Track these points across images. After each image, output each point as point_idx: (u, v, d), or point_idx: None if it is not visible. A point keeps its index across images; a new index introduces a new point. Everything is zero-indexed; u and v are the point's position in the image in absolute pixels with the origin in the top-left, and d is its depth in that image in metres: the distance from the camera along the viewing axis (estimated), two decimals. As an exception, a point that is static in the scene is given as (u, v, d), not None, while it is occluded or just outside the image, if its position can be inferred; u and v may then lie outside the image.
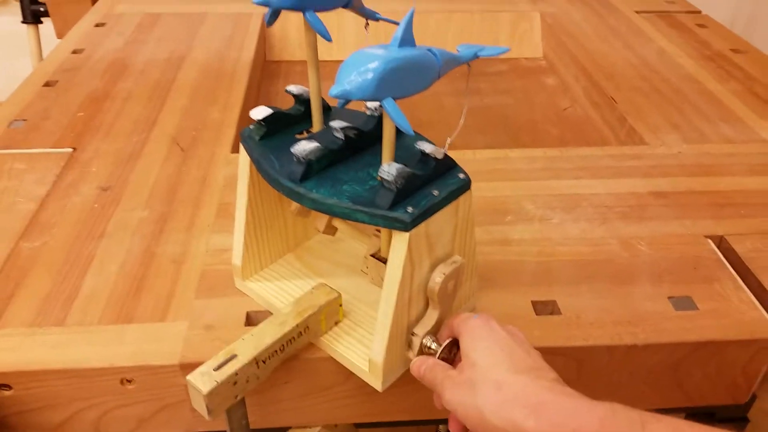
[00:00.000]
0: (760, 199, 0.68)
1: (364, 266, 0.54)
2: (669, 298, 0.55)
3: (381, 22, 0.53)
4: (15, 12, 1.48)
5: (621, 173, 0.72)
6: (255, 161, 0.47)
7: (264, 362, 0.44)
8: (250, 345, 0.44)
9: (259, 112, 0.48)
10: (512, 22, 1.16)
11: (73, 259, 0.58)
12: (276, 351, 0.45)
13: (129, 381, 0.50)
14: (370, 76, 0.36)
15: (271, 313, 0.53)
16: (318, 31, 0.44)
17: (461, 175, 0.46)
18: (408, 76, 0.38)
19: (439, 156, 0.44)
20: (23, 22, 1.35)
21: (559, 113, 0.99)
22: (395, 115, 0.37)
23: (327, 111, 0.52)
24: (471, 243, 0.49)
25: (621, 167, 0.73)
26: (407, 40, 0.38)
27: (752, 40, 1.09)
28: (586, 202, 0.67)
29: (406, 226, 0.41)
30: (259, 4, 0.43)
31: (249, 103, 0.90)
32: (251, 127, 0.49)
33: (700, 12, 1.18)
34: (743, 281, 0.58)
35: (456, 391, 0.41)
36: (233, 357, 0.43)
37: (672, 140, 0.78)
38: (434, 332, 0.46)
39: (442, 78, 0.43)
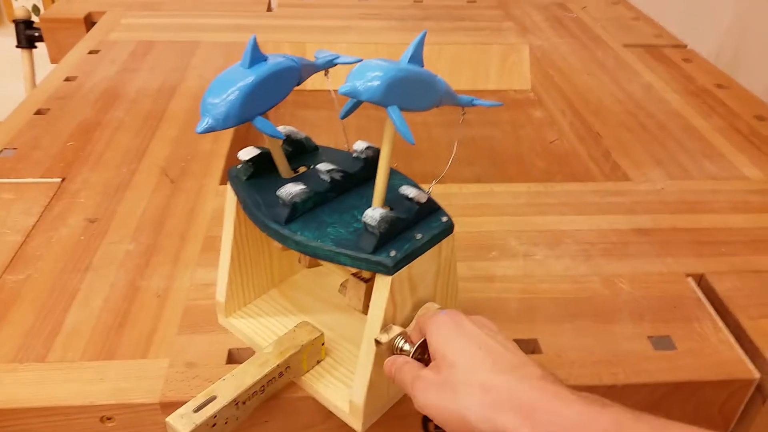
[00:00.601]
0: (741, 236, 0.69)
1: (343, 291, 0.53)
2: (649, 337, 0.56)
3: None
4: (8, 33, 1.49)
5: (604, 209, 0.73)
6: (241, 201, 0.47)
7: (244, 403, 0.44)
8: (231, 385, 0.44)
9: (247, 153, 0.48)
10: (502, 55, 1.18)
11: (57, 293, 0.59)
12: (256, 392, 0.45)
13: (109, 419, 0.50)
14: (379, 80, 0.38)
15: (254, 351, 0.53)
16: (270, 134, 0.44)
17: (444, 219, 0.46)
18: (414, 90, 0.40)
19: (423, 200, 0.45)
20: (18, 46, 1.37)
21: (545, 146, 1.00)
22: (399, 123, 0.39)
23: (314, 151, 0.53)
24: (453, 283, 0.50)
25: (604, 203, 0.74)
26: (416, 57, 0.40)
27: (737, 73, 1.11)
28: (569, 239, 0.68)
29: (388, 270, 0.42)
30: (202, 132, 0.42)
31: (240, 134, 0.91)
32: (239, 166, 0.49)
33: (686, 46, 1.20)
34: (722, 320, 0.58)
35: (432, 394, 0.38)
36: (213, 398, 0.43)
37: (655, 176, 0.79)
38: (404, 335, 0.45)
39: (433, 109, 0.44)
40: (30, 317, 0.56)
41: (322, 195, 0.46)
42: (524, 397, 0.35)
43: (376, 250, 0.42)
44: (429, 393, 0.38)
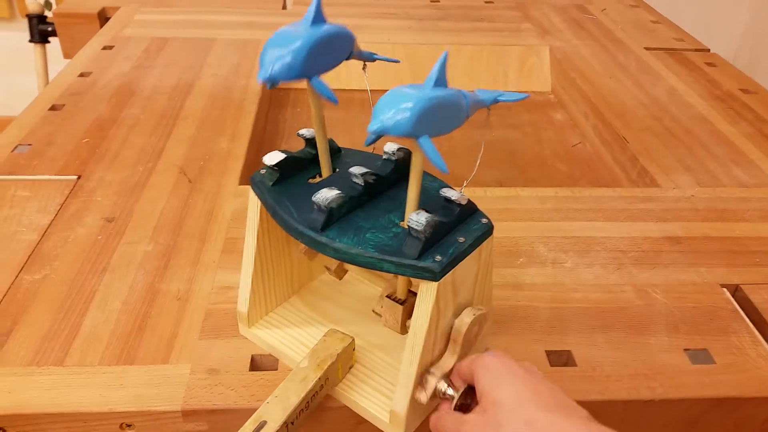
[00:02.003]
0: (775, 246, 0.67)
1: (378, 306, 0.52)
2: (685, 350, 0.54)
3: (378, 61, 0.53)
4: (22, 28, 1.48)
5: (634, 216, 0.71)
6: (269, 208, 0.46)
7: (292, 423, 0.42)
8: (278, 407, 0.42)
9: (272, 158, 0.46)
10: (521, 56, 1.16)
11: (74, 294, 0.57)
12: (303, 409, 0.43)
13: (129, 426, 0.48)
14: (407, 113, 0.36)
15: (277, 359, 0.51)
16: (325, 95, 0.43)
17: (484, 220, 0.45)
18: (442, 116, 0.38)
19: (463, 202, 0.44)
20: (31, 41, 1.35)
21: (568, 150, 0.99)
22: (431, 153, 0.37)
23: (337, 153, 0.51)
24: (489, 286, 0.48)
25: (634, 210, 0.72)
26: (441, 80, 0.38)
27: (755, 77, 1.09)
28: (599, 246, 0.66)
29: (435, 276, 0.40)
30: (264, 81, 0.41)
31: (257, 133, 0.89)
32: (262, 171, 0.47)
33: (708, 50, 1.18)
34: (760, 334, 0.56)
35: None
36: (263, 423, 0.41)
37: (685, 183, 0.77)
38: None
39: None
40: (47, 319, 0.54)
41: (356, 199, 0.44)
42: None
43: (420, 256, 0.40)
44: None
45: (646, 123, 0.91)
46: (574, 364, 0.52)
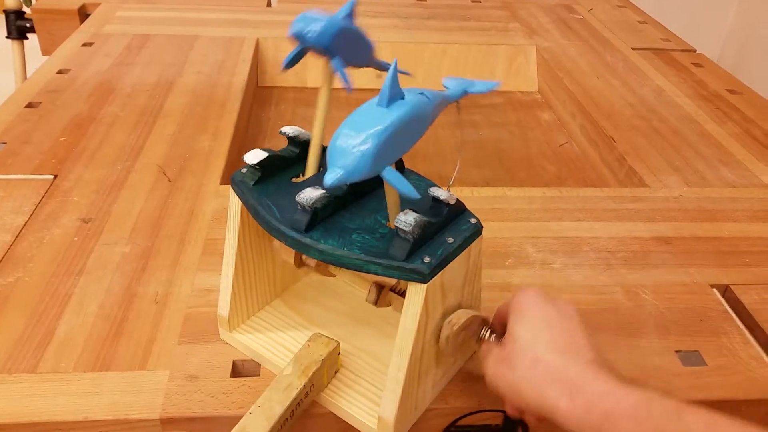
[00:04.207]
0: (764, 247, 0.66)
1: (371, 300, 0.49)
2: (676, 352, 0.53)
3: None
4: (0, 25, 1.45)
5: (622, 216, 0.70)
6: (251, 209, 0.44)
7: None
8: (261, 418, 0.40)
9: (254, 156, 0.45)
10: (508, 55, 1.15)
11: (49, 298, 0.55)
12: (287, 419, 0.41)
13: (105, 435, 0.46)
14: (364, 156, 0.34)
15: (259, 364, 0.50)
16: (343, 77, 0.42)
17: (472, 220, 0.44)
18: (403, 136, 0.36)
19: (452, 201, 0.42)
20: (8, 37, 1.32)
21: (555, 149, 0.98)
22: (398, 184, 0.35)
23: (325, 151, 0.50)
24: (478, 287, 0.47)
25: (622, 210, 0.71)
26: (395, 95, 0.36)
27: (741, 78, 1.09)
28: (588, 247, 0.65)
29: (424, 278, 0.39)
30: (293, 35, 0.42)
31: (240, 131, 0.87)
32: (243, 171, 0.46)
33: (695, 51, 1.18)
34: (751, 335, 0.55)
35: (497, 367, 0.41)
36: None
37: (673, 183, 0.77)
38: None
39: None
40: (20, 324, 0.52)
41: (341, 199, 0.42)
42: (570, 375, 0.38)
43: (409, 257, 0.39)
44: (495, 367, 0.41)
45: (633, 123, 0.90)
46: (564, 368, 0.51)
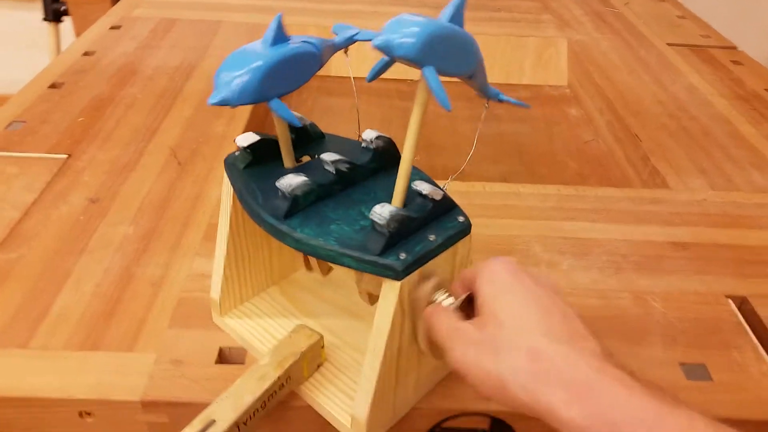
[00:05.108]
0: (789, 257, 0.63)
1: (364, 298, 0.48)
2: (681, 364, 0.50)
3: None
4: (38, 8, 1.48)
5: (639, 218, 0.67)
6: (237, 192, 0.43)
7: (245, 424, 0.40)
8: (229, 406, 0.39)
9: (246, 139, 0.44)
10: (537, 48, 1.12)
11: (48, 275, 0.55)
12: (258, 410, 0.40)
13: (88, 414, 0.46)
14: (416, 36, 0.33)
15: (247, 351, 0.49)
16: (286, 118, 0.40)
17: (461, 218, 0.42)
18: (452, 52, 0.36)
19: (437, 197, 0.41)
20: (44, 19, 1.35)
21: (579, 146, 0.95)
22: (435, 86, 0.34)
23: (320, 139, 0.48)
24: (467, 290, 0.45)
25: (640, 211, 0.68)
26: (457, 20, 0.36)
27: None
28: (599, 249, 0.63)
29: (397, 275, 0.37)
30: (216, 104, 0.38)
31: (256, 118, 0.87)
32: (236, 153, 0.45)
33: (735, 48, 1.13)
34: (765, 351, 0.52)
35: (470, 350, 0.34)
36: (212, 422, 0.38)
37: (697, 185, 0.73)
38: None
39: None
40: (17, 299, 0.53)
41: (326, 188, 0.41)
42: (579, 374, 0.31)
43: (384, 252, 0.38)
44: (467, 349, 0.34)
45: (661, 121, 0.87)
46: (558, 373, 0.49)
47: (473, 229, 0.42)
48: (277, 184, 0.39)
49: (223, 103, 0.37)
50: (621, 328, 0.53)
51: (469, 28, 0.35)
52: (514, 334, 0.33)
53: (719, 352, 0.52)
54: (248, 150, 0.44)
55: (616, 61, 1.05)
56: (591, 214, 0.68)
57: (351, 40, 0.44)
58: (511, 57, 1.12)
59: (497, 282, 0.35)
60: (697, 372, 0.50)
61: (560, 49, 1.12)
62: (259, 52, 0.38)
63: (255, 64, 0.37)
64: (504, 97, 0.44)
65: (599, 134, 0.96)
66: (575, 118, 1.02)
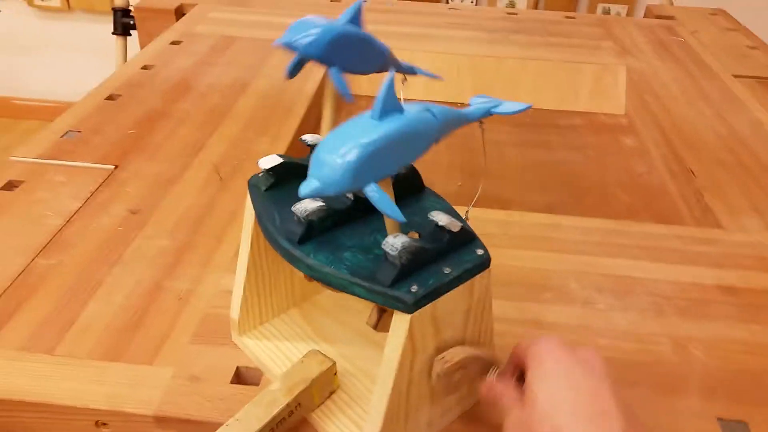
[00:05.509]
0: None
1: (371, 322, 0.48)
2: (719, 419, 0.47)
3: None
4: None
5: (687, 259, 0.63)
6: (257, 213, 0.43)
7: None
8: None
9: (268, 161, 0.44)
10: (594, 75, 1.09)
11: (81, 283, 0.57)
12: None
13: (104, 425, 0.47)
14: (344, 169, 0.32)
15: (262, 373, 0.49)
16: (339, 87, 0.41)
17: (479, 251, 0.40)
18: (394, 153, 0.34)
19: (455, 229, 0.39)
20: (114, 33, 1.41)
21: (633, 178, 0.91)
22: (381, 204, 0.33)
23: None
24: (487, 325, 0.43)
25: (688, 252, 0.65)
26: (390, 108, 0.34)
27: None
28: (641, 288, 0.59)
29: (408, 308, 0.36)
30: (282, 45, 0.41)
31: (303, 133, 0.87)
32: (259, 175, 0.45)
33: (809, 81, 1.07)
34: (817, 411, 0.48)
35: (513, 429, 0.37)
36: None
37: (752, 226, 0.69)
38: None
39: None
40: (50, 305, 0.54)
41: (342, 214, 0.41)
42: None
43: (395, 284, 0.36)
44: (513, 427, 0.37)
45: (719, 156, 0.82)
46: (583, 420, 0.46)
47: (506, 261, 0.41)
48: (293, 208, 0.39)
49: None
50: (656, 376, 0.50)
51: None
52: (544, 413, 0.35)
53: (763, 410, 0.48)
54: (270, 172, 0.44)
55: (676, 92, 1.01)
56: (635, 251, 0.64)
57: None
58: (565, 82, 1.09)
59: (540, 364, 0.38)
60: (736, 430, 0.46)
61: (618, 77, 1.09)
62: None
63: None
64: (497, 109, 0.42)
65: (653, 167, 0.92)
66: (630, 148, 0.98)
